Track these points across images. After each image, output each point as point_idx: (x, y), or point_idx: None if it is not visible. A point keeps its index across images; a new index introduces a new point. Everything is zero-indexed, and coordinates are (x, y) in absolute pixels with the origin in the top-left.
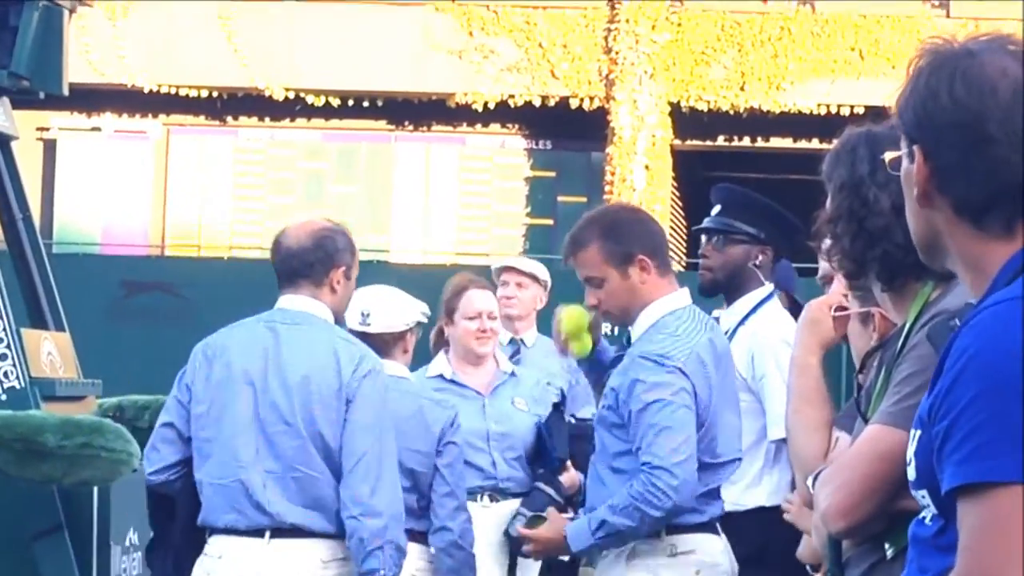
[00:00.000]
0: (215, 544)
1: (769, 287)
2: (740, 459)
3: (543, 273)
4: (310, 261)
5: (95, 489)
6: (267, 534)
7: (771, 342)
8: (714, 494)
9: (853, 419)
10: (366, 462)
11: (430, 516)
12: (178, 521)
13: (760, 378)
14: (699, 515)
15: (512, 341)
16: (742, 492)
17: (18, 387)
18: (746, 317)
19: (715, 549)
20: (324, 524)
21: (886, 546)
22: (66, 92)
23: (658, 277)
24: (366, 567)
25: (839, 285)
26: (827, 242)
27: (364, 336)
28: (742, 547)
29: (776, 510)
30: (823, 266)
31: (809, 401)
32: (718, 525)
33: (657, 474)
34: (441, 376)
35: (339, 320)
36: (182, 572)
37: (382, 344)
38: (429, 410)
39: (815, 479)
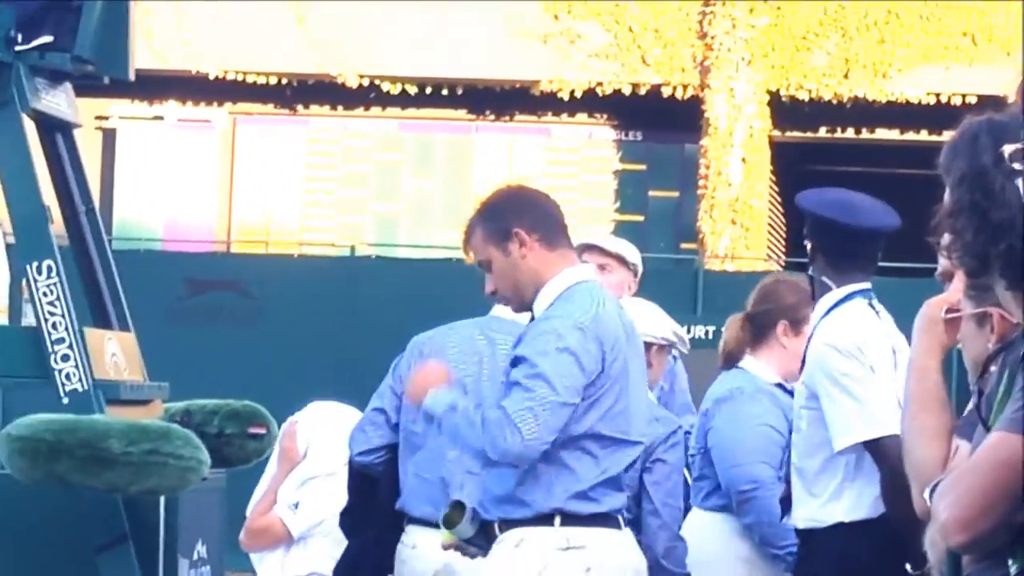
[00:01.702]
0: (411, 533)
1: (842, 291)
2: (643, 443)
3: (632, 255)
4: None
5: (162, 498)
6: None
7: (816, 348)
8: (615, 483)
9: (974, 427)
10: None
11: None
12: (380, 503)
13: (817, 386)
14: (595, 504)
15: None
16: (821, 507)
17: (81, 390)
18: (816, 325)
19: (611, 543)
20: None
21: (1010, 562)
22: (132, 77)
23: (544, 251)
24: None
25: (958, 283)
26: (946, 238)
27: None
28: (820, 566)
29: (856, 526)
30: (942, 263)
31: (927, 407)
32: (620, 519)
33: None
34: (782, 385)
35: None
36: (384, 549)
37: None
38: None
39: (932, 490)
